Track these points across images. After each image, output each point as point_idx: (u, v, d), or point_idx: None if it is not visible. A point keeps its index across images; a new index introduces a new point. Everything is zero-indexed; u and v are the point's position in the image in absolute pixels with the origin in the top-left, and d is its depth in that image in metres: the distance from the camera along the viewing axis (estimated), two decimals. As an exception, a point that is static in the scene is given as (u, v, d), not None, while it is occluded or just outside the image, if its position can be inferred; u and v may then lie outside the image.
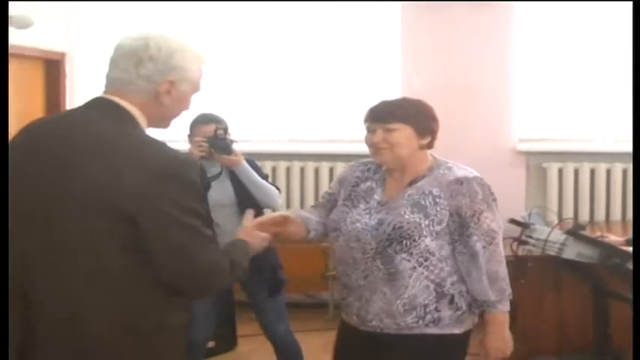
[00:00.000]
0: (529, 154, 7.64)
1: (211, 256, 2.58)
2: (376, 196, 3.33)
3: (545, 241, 4.99)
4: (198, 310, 4.41)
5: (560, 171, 7.56)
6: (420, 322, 3.24)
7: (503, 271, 3.30)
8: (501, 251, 3.32)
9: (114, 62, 2.65)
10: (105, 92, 2.66)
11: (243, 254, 2.82)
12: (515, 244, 5.63)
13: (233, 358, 5.21)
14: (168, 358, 2.63)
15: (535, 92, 7.63)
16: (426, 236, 3.19)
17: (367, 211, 3.30)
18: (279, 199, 4.90)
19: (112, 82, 2.65)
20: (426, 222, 3.20)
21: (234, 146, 4.70)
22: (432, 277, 3.23)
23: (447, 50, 7.75)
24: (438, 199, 3.22)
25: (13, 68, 7.62)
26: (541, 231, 5.15)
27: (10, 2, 7.23)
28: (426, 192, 3.24)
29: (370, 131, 3.30)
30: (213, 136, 4.64)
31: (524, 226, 5.76)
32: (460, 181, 3.25)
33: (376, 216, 3.26)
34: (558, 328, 5.73)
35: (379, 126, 3.25)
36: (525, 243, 5.58)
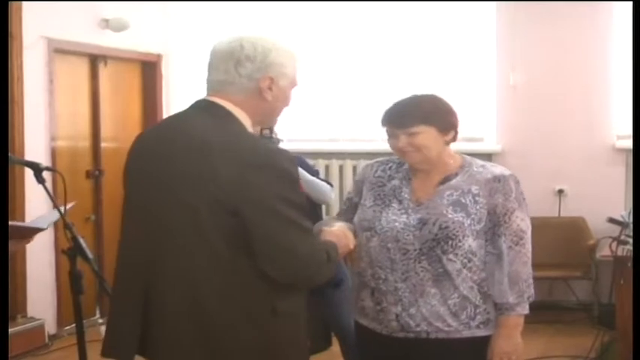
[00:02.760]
0: (628, 152, 7.46)
1: (307, 248, 2.62)
2: (405, 195, 3.20)
3: (646, 240, 4.85)
4: None
5: (661, 168, 7.38)
6: (471, 322, 3.13)
7: (526, 272, 3.16)
8: (527, 252, 3.17)
9: (213, 66, 2.74)
10: (207, 95, 2.75)
11: (334, 253, 2.83)
12: (614, 244, 5.53)
13: (328, 357, 5.20)
14: (284, 342, 2.69)
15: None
16: (468, 236, 3.10)
17: (403, 210, 3.17)
18: (332, 193, 5.01)
19: (213, 85, 2.74)
20: (468, 221, 3.10)
21: (282, 145, 4.77)
22: (474, 277, 3.13)
23: (544, 47, 7.66)
24: (477, 198, 3.12)
25: (111, 70, 7.78)
26: (642, 230, 5.01)
27: (106, 5, 7.41)
28: (465, 190, 3.14)
29: (392, 136, 3.16)
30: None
31: (623, 225, 5.65)
32: (498, 179, 3.14)
33: (415, 216, 3.13)
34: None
35: (401, 131, 3.12)
36: (625, 242, 5.47)
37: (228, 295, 2.59)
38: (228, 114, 2.68)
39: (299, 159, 4.91)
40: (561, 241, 7.49)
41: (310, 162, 5.04)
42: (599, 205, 7.25)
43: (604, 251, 6.07)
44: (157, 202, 2.65)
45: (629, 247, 5.42)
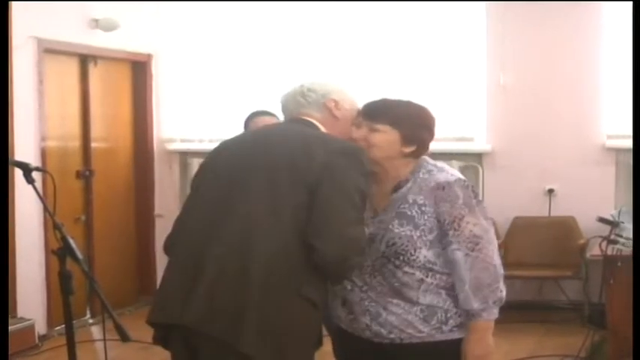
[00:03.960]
0: (618, 151, 7.48)
1: (356, 233, 2.89)
2: None
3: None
4: None
5: (651, 168, 7.38)
6: (444, 327, 3.06)
7: (489, 277, 3.03)
8: (487, 256, 3.04)
9: (285, 108, 3.20)
10: None
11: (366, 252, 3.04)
12: (604, 243, 5.54)
13: (320, 357, 5.20)
14: (301, 324, 2.94)
15: (624, 88, 7.47)
16: (421, 247, 3.02)
17: None
18: None
19: (291, 113, 3.17)
20: (417, 233, 3.02)
21: None
22: (441, 283, 3.06)
23: (534, 47, 7.68)
24: (424, 208, 3.03)
25: (101, 69, 7.76)
26: (631, 230, 5.03)
27: (96, 5, 7.39)
28: (411, 201, 3.05)
29: (356, 125, 3.13)
30: None
31: (613, 224, 5.67)
32: (442, 186, 3.03)
33: (367, 230, 3.05)
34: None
35: (366, 123, 3.10)
36: (615, 242, 5.49)
37: (269, 265, 2.82)
38: (314, 124, 3.09)
39: None
40: (551, 241, 7.50)
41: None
42: (589, 204, 7.25)
43: (594, 251, 6.09)
44: (242, 175, 2.96)
45: (619, 246, 5.43)
